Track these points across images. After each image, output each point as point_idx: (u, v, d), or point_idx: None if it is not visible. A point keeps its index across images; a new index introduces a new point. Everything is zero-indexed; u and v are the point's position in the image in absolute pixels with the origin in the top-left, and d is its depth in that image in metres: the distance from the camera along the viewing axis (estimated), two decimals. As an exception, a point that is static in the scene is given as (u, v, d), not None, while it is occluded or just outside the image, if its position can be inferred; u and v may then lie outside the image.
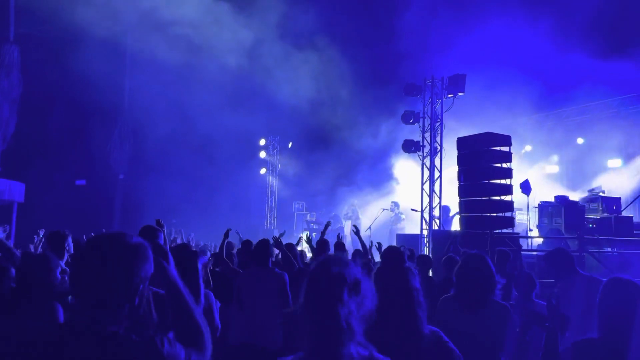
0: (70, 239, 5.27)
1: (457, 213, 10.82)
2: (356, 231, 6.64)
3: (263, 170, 20.81)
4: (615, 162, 15.20)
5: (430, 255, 9.17)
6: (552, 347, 3.19)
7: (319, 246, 5.97)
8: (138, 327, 1.63)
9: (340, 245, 6.47)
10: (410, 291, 2.36)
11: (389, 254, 3.12)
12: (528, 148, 16.67)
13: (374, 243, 6.69)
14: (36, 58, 16.45)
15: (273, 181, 20.71)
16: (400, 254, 2.92)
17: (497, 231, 9.35)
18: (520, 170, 13.91)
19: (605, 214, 11.17)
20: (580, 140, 15.92)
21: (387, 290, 2.26)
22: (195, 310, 1.73)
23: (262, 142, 20.54)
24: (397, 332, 2.27)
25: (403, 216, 15.40)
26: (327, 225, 6.98)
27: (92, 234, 9.29)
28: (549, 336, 3.15)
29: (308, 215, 18.55)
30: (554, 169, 16.79)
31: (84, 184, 18.11)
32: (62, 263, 4.90)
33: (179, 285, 1.73)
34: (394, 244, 13.14)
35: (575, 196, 12.34)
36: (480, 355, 2.95)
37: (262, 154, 20.65)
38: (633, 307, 2.37)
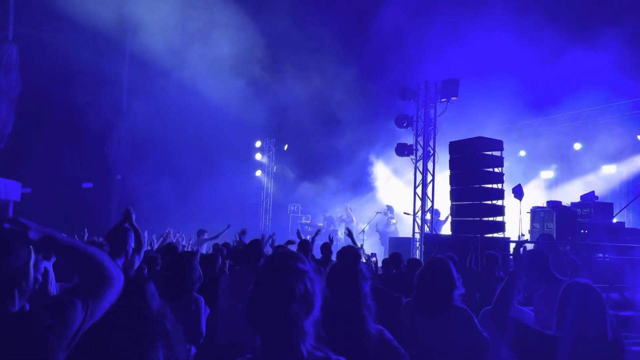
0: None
1: (449, 215, 10.87)
2: (348, 233, 6.67)
3: (258, 172, 20.85)
4: (610, 168, 15.25)
5: (422, 259, 9.22)
6: (507, 293, 3.11)
7: (300, 246, 6.01)
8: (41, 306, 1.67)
9: (304, 243, 6.35)
10: (358, 292, 2.41)
11: (344, 254, 3.14)
12: (522, 153, 16.73)
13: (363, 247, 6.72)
14: (35, 58, 16.50)
15: (268, 183, 20.75)
16: (356, 255, 2.94)
17: (488, 235, 9.42)
18: (515, 175, 13.98)
19: (597, 220, 11.20)
20: (577, 146, 15.97)
21: (336, 290, 2.35)
22: (91, 250, 1.76)
23: (258, 144, 20.59)
24: (343, 331, 2.30)
25: (393, 220, 15.44)
26: (317, 232, 7.01)
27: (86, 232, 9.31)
28: (507, 281, 3.07)
29: (303, 217, 18.60)
30: (549, 174, 16.85)
31: (90, 187, 18.13)
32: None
33: (69, 241, 1.76)
34: (386, 247, 13.20)
35: (568, 201, 12.39)
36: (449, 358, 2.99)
37: (258, 156, 20.69)
38: (589, 306, 2.48)
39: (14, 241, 1.68)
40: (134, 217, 4.73)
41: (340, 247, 3.63)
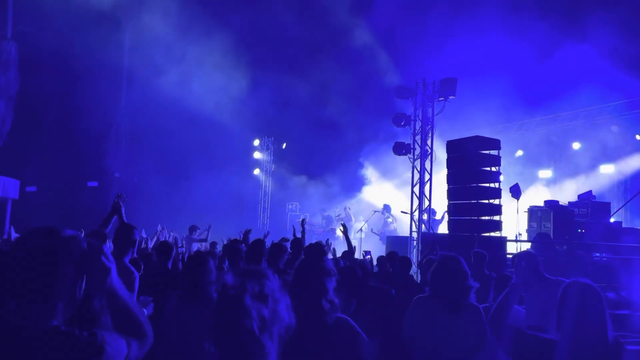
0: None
1: (445, 213, 10.88)
2: (344, 230, 6.67)
3: (257, 171, 20.84)
4: (607, 168, 15.26)
5: (419, 257, 9.23)
6: (507, 303, 3.18)
7: (294, 244, 6.01)
8: (84, 323, 1.61)
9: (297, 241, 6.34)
10: (320, 285, 2.48)
11: (310, 250, 3.21)
12: (520, 153, 16.77)
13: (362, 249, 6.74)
14: (33, 55, 16.49)
15: (267, 182, 20.74)
16: (321, 251, 3.02)
17: (484, 234, 9.42)
18: (512, 175, 13.99)
19: (594, 220, 11.22)
20: (576, 146, 15.97)
21: (300, 284, 2.49)
22: (131, 305, 1.73)
23: (256, 142, 20.58)
24: (305, 322, 2.38)
25: (390, 219, 15.44)
26: (303, 221, 7.06)
27: (82, 230, 9.32)
28: (508, 292, 3.15)
29: (301, 216, 18.58)
30: (547, 173, 16.87)
31: (95, 186, 18.11)
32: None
33: (116, 287, 1.69)
34: (383, 245, 13.22)
35: (565, 201, 12.41)
36: (459, 356, 3.03)
37: (256, 155, 20.69)
38: (589, 307, 2.46)
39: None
40: (123, 210, 4.74)
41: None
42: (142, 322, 1.75)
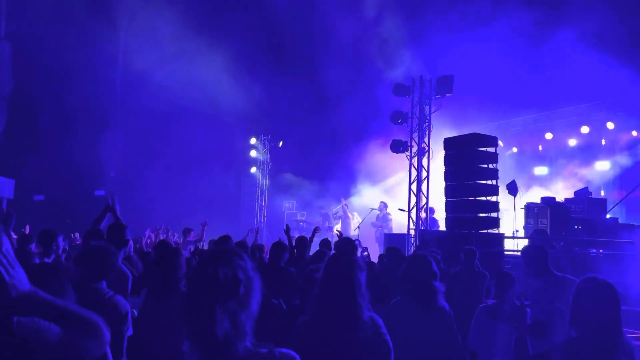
0: (60, 238, 5.28)
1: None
2: (339, 235, 6.71)
3: (253, 169, 20.82)
4: (603, 164, 15.32)
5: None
6: (522, 349, 3.21)
7: (298, 243, 6.00)
8: None
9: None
10: (353, 280, 2.46)
11: (342, 245, 3.24)
12: (514, 150, 16.85)
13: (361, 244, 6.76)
14: (27, 55, 16.39)
15: (263, 180, 20.72)
16: (353, 246, 3.05)
17: (482, 231, 9.46)
18: (508, 171, 14.03)
19: (591, 216, 11.26)
20: (572, 142, 16.03)
21: (332, 279, 2.47)
22: (73, 308, 1.59)
23: (253, 140, 20.56)
24: (338, 317, 2.40)
25: (391, 216, 15.45)
26: (314, 231, 7.00)
27: (78, 232, 9.28)
28: (517, 338, 3.20)
29: (298, 214, 18.60)
30: (543, 170, 16.93)
31: (102, 194, 18.04)
32: (49, 260, 4.93)
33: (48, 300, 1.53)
34: (380, 243, 13.22)
35: (562, 197, 12.45)
36: (435, 356, 3.04)
37: (253, 153, 20.67)
38: (606, 304, 2.44)
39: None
40: (117, 209, 4.74)
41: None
42: (94, 321, 1.63)
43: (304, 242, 5.90)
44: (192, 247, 9.51)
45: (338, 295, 2.42)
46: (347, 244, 3.36)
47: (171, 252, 3.74)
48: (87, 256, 3.28)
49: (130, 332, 3.16)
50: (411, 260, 3.42)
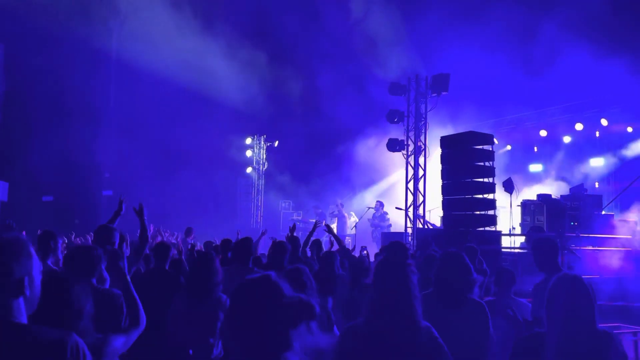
0: (58, 239, 5.24)
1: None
2: (328, 230, 6.70)
3: (249, 169, 20.78)
4: (597, 161, 15.40)
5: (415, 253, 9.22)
6: None
7: (291, 242, 5.99)
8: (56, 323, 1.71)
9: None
10: (408, 285, 2.43)
11: (393, 248, 3.19)
12: (509, 147, 16.93)
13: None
14: (21, 56, 16.28)
15: (259, 180, 20.68)
16: (404, 249, 3.00)
17: (479, 229, 9.49)
18: (504, 169, 14.07)
19: (587, 212, 11.31)
20: (567, 139, 16.09)
21: (386, 283, 2.43)
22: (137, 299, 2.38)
23: (249, 140, 20.51)
24: (394, 323, 2.36)
25: (388, 216, 15.46)
26: (315, 226, 6.99)
27: (73, 232, 9.21)
28: (517, 335, 3.21)
29: (294, 214, 18.56)
30: (538, 167, 17.00)
31: (110, 194, 17.94)
32: (49, 263, 4.88)
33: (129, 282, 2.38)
34: (378, 243, 13.23)
35: (558, 194, 12.50)
36: (462, 352, 3.03)
37: (248, 153, 20.62)
38: (576, 301, 2.47)
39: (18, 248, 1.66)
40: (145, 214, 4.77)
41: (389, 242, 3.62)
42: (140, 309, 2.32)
43: (318, 244, 5.89)
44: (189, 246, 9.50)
45: (394, 301, 2.38)
46: (398, 247, 3.32)
47: (207, 259, 3.76)
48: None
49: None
50: (444, 256, 3.43)
